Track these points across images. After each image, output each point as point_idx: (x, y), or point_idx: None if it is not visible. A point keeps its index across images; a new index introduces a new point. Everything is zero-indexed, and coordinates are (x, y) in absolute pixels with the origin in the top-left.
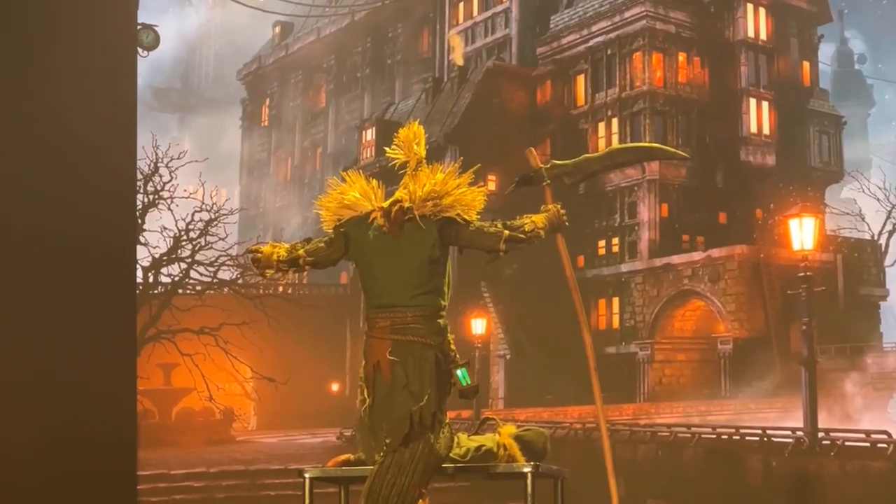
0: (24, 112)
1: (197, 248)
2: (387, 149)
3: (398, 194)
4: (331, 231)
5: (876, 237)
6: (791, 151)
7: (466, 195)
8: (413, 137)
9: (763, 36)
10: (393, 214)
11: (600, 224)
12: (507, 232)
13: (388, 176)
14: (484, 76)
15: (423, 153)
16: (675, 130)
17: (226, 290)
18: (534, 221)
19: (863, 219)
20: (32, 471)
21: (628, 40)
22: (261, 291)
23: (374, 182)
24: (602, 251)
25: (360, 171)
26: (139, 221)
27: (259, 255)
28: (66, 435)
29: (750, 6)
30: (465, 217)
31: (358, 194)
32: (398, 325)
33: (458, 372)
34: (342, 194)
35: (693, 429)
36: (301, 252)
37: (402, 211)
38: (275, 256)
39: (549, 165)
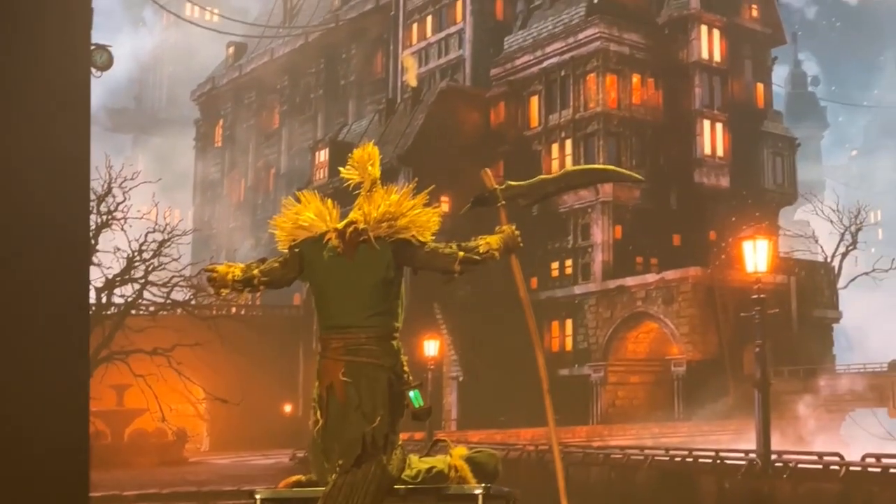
0: None
1: (150, 268)
2: (341, 168)
3: (353, 215)
4: (285, 251)
5: (829, 259)
6: (745, 173)
7: (421, 216)
8: (367, 158)
9: (717, 58)
10: (348, 236)
11: (553, 246)
12: (461, 253)
13: (342, 197)
14: (437, 97)
15: (378, 174)
16: (629, 152)
17: (179, 310)
18: (488, 243)
19: (816, 241)
20: None
21: (582, 61)
22: (214, 312)
23: (329, 202)
24: (555, 273)
25: (315, 192)
26: (92, 242)
27: (214, 274)
28: (17, 456)
29: (704, 28)
30: (420, 238)
31: (313, 215)
32: (351, 347)
33: (411, 393)
34: (297, 214)
35: (646, 451)
36: (256, 272)
37: (357, 232)
38: (230, 276)
39: (504, 186)
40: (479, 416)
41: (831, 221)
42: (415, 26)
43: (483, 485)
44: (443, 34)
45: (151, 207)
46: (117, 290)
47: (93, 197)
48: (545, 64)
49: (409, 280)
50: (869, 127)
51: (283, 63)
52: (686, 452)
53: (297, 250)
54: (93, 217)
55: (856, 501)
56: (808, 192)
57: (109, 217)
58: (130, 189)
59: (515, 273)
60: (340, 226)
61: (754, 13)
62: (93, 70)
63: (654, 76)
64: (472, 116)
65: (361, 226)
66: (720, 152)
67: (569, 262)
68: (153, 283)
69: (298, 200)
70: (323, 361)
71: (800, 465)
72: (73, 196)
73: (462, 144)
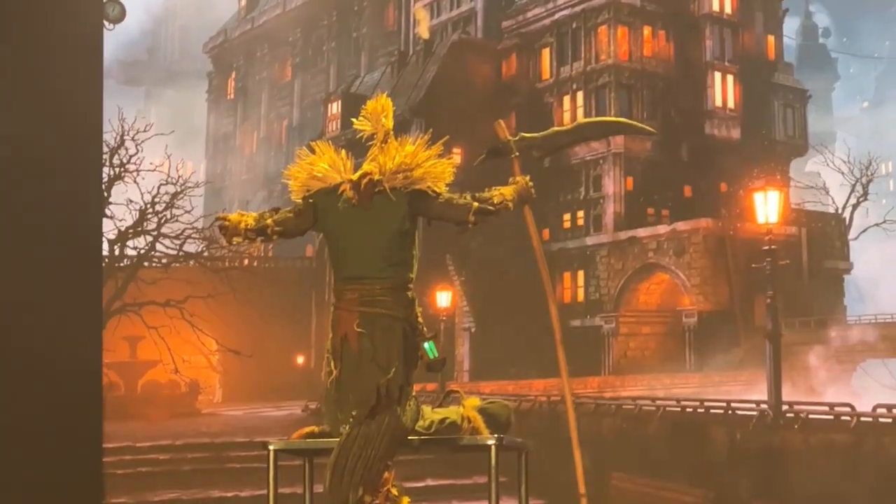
0: None
1: (163, 220)
2: (354, 120)
3: (367, 166)
4: (299, 201)
5: (840, 210)
6: (756, 125)
7: (436, 167)
8: (381, 110)
9: (728, 10)
10: (363, 186)
11: (565, 197)
12: (476, 204)
13: (354, 148)
14: (449, 49)
15: (391, 125)
16: (640, 104)
17: (191, 262)
18: (502, 194)
19: (827, 192)
20: None
21: (593, 14)
22: (226, 264)
23: (343, 153)
24: (567, 224)
25: (329, 143)
26: (105, 194)
27: (227, 222)
28: (32, 407)
29: None
30: (435, 189)
31: (327, 165)
32: (366, 298)
33: (426, 345)
34: (311, 165)
35: (658, 402)
36: (269, 221)
37: (372, 183)
38: (242, 224)
39: (517, 138)
40: (491, 367)
41: (842, 173)
42: None
43: (496, 436)
44: None
45: (164, 160)
46: (130, 243)
47: (105, 149)
48: (557, 16)
49: (421, 231)
50: (881, 78)
51: (295, 15)
52: (697, 403)
53: (311, 200)
54: (105, 169)
55: (867, 452)
56: (819, 144)
57: (122, 169)
58: (143, 141)
59: (529, 224)
60: (355, 177)
61: None
62: (105, 23)
63: (665, 28)
64: (483, 69)
65: (377, 177)
66: (731, 104)
67: (581, 214)
68: (166, 236)
69: (312, 151)
70: (337, 312)
71: (811, 416)
72: (86, 148)
73: (474, 96)
